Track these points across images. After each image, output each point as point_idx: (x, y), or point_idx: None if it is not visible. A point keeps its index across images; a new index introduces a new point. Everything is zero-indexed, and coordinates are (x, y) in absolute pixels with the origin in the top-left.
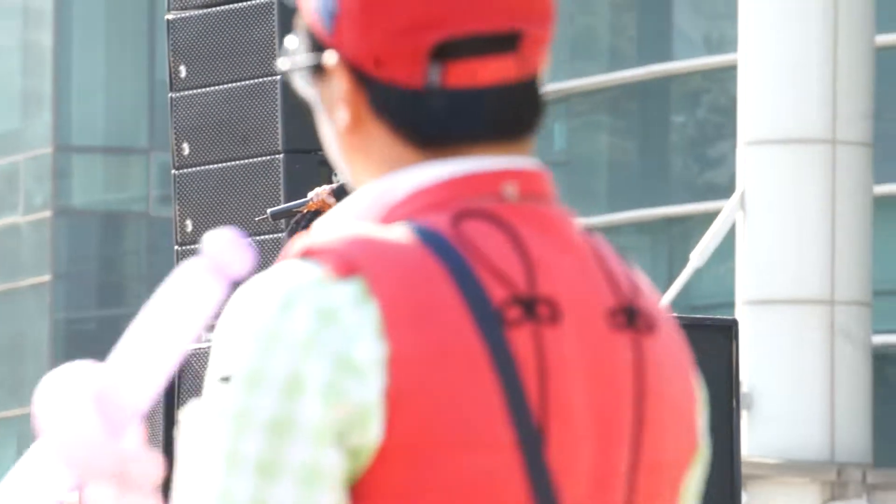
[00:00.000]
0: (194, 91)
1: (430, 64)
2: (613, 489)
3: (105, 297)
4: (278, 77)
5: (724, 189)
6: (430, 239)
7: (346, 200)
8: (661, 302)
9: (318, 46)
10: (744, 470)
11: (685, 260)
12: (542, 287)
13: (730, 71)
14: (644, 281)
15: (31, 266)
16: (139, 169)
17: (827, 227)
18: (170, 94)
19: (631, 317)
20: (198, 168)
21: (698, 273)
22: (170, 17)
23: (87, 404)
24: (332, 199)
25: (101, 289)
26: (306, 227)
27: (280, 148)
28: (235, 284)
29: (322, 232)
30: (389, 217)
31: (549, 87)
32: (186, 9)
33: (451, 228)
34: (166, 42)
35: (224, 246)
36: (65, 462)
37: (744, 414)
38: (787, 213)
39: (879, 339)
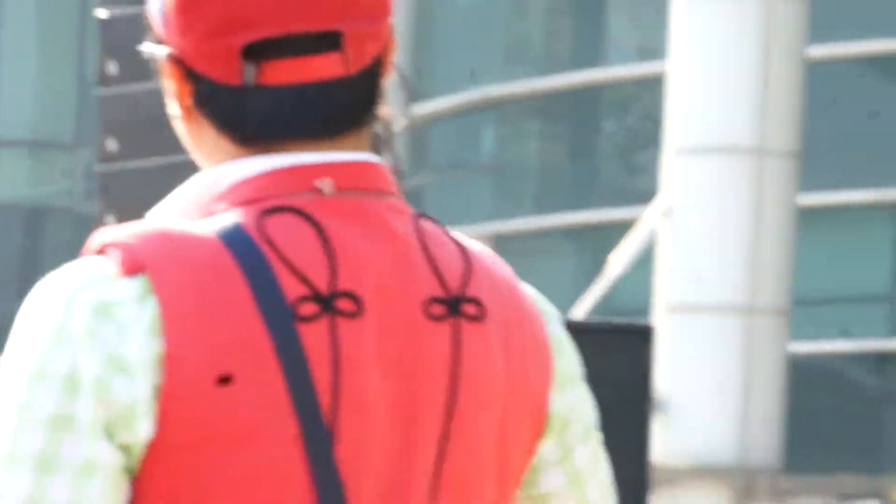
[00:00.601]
0: (123, 88)
1: (245, 63)
2: (413, 484)
3: (26, 292)
4: None
5: (652, 196)
6: (229, 235)
7: (178, 188)
8: (531, 294)
9: (158, 41)
10: (656, 474)
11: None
12: (343, 282)
13: (662, 80)
14: (492, 269)
15: None
16: (65, 164)
17: (750, 235)
18: (98, 90)
19: (454, 306)
20: (123, 164)
21: (623, 279)
22: (100, 13)
23: None
24: None
25: (22, 282)
26: None
27: None
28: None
29: (126, 226)
30: (210, 209)
31: (481, 92)
32: (118, 5)
33: (255, 224)
34: (97, 38)
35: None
36: None
37: (659, 418)
38: (711, 221)
39: (796, 347)
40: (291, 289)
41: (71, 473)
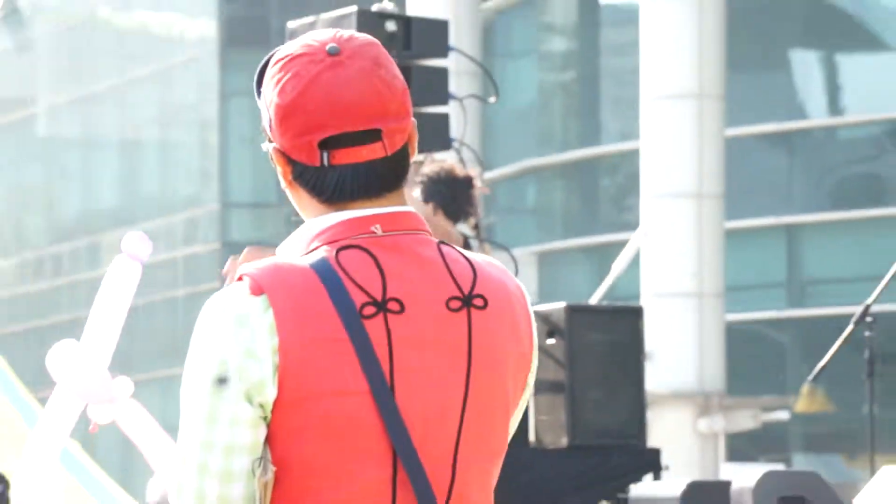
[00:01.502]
0: None
1: (321, 152)
2: (449, 421)
3: None
4: None
5: (637, 225)
6: (318, 265)
7: (294, 233)
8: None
9: (269, 140)
10: (648, 398)
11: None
12: (391, 291)
13: (638, 152)
14: (486, 269)
15: None
16: (273, 218)
17: (697, 252)
18: None
19: (467, 301)
20: None
21: (621, 277)
22: None
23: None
24: None
25: None
26: None
27: None
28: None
29: (257, 262)
30: (308, 247)
31: (524, 164)
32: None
33: (333, 257)
34: None
35: (135, 241)
36: (77, 394)
37: (647, 365)
38: (674, 240)
39: (730, 317)
40: (357, 297)
41: (226, 421)
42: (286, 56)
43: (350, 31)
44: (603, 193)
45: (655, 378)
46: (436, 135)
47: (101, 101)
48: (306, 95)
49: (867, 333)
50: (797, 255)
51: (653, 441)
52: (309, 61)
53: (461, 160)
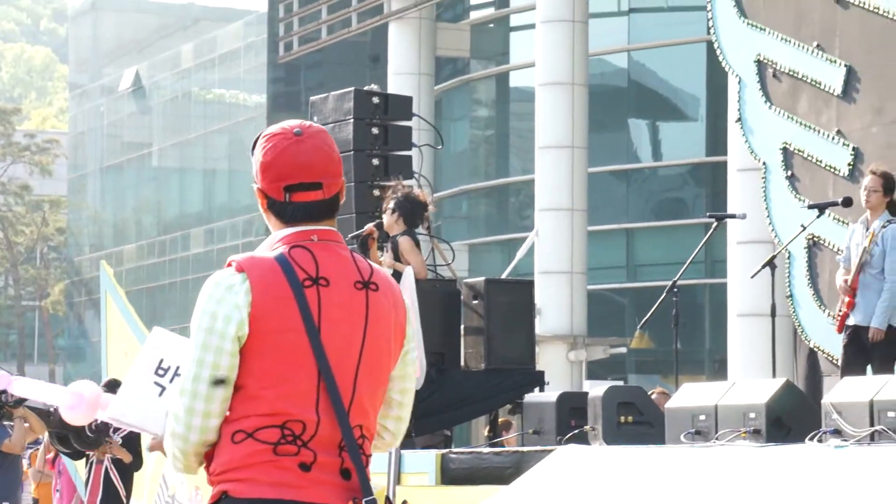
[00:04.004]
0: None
1: (285, 192)
2: (353, 355)
3: None
4: None
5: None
6: (277, 256)
7: (266, 239)
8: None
9: (255, 182)
10: (537, 339)
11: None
12: (321, 272)
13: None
14: (378, 270)
15: None
16: None
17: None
18: None
19: (366, 284)
20: None
21: (521, 261)
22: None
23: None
24: (373, 228)
25: None
26: (359, 240)
27: None
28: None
29: (242, 255)
30: (272, 247)
31: (459, 187)
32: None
33: (287, 252)
34: None
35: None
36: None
37: (537, 317)
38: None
39: (591, 287)
40: (301, 275)
41: (217, 348)
42: (269, 134)
43: (310, 122)
44: (510, 207)
45: (542, 326)
46: (403, 168)
47: (192, 145)
48: (279, 158)
49: (674, 298)
50: (632, 247)
51: (539, 366)
52: (282, 138)
53: (419, 185)
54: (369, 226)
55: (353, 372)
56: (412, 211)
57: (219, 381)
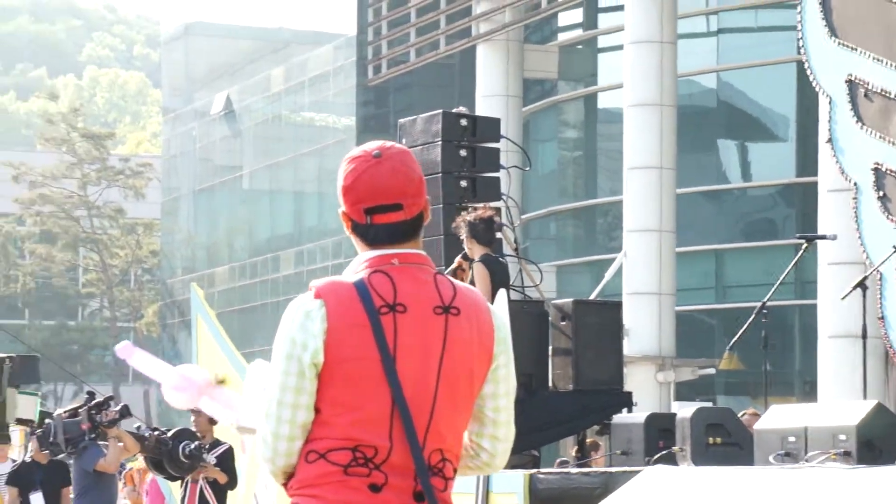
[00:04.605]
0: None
1: (366, 215)
2: (430, 380)
3: None
4: None
5: (619, 249)
6: (356, 282)
7: (351, 263)
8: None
9: (339, 206)
10: (625, 360)
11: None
12: (399, 298)
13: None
14: (463, 291)
15: None
16: None
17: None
18: None
19: (445, 309)
20: None
21: (609, 282)
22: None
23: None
24: (463, 261)
25: None
26: (453, 272)
27: None
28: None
29: (323, 279)
30: (356, 271)
31: (546, 209)
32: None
33: (367, 278)
34: None
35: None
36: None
37: (625, 338)
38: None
39: (679, 308)
40: (378, 302)
41: (297, 374)
42: (350, 157)
43: (392, 143)
44: (598, 228)
45: (630, 347)
46: (491, 190)
47: (282, 167)
48: (358, 181)
49: (763, 320)
50: (722, 268)
51: (627, 387)
52: (362, 161)
53: (508, 207)
54: (458, 259)
55: (431, 397)
56: (484, 229)
57: (299, 406)
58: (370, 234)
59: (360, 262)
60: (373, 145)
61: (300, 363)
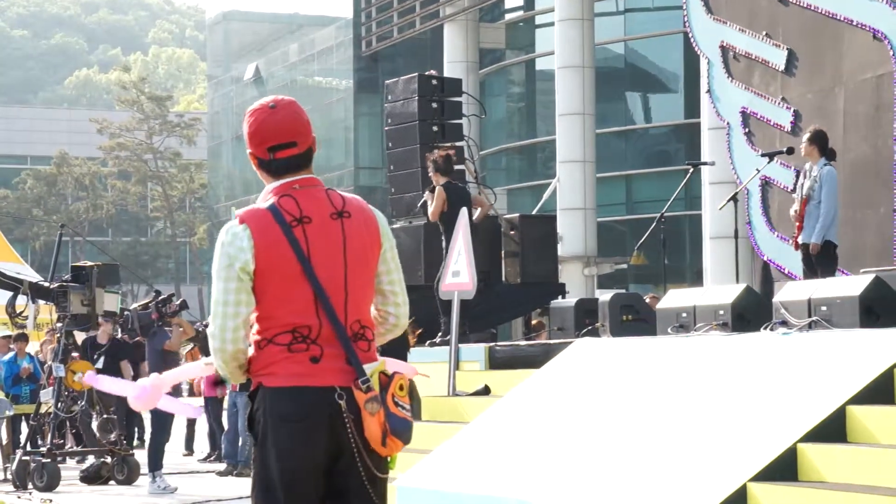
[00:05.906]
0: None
1: (269, 152)
2: (339, 268)
3: None
4: None
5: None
6: (269, 206)
7: (262, 191)
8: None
9: (247, 148)
10: (559, 259)
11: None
12: (304, 212)
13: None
14: (351, 200)
15: None
16: None
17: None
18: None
19: (339, 214)
20: None
21: (547, 201)
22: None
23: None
24: (429, 195)
25: None
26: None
27: None
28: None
29: (245, 208)
30: (266, 198)
31: (501, 146)
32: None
33: (277, 201)
34: None
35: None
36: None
37: (560, 242)
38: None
39: (598, 219)
40: (288, 218)
41: (234, 283)
42: (252, 110)
43: (283, 96)
44: (538, 160)
45: (563, 249)
46: (456, 133)
47: None
48: (261, 127)
49: (662, 226)
50: (630, 188)
51: (562, 280)
52: (261, 111)
53: (469, 146)
54: (428, 192)
55: (343, 280)
56: (443, 163)
57: (239, 303)
58: (273, 167)
59: (268, 192)
60: (267, 99)
61: (236, 270)
